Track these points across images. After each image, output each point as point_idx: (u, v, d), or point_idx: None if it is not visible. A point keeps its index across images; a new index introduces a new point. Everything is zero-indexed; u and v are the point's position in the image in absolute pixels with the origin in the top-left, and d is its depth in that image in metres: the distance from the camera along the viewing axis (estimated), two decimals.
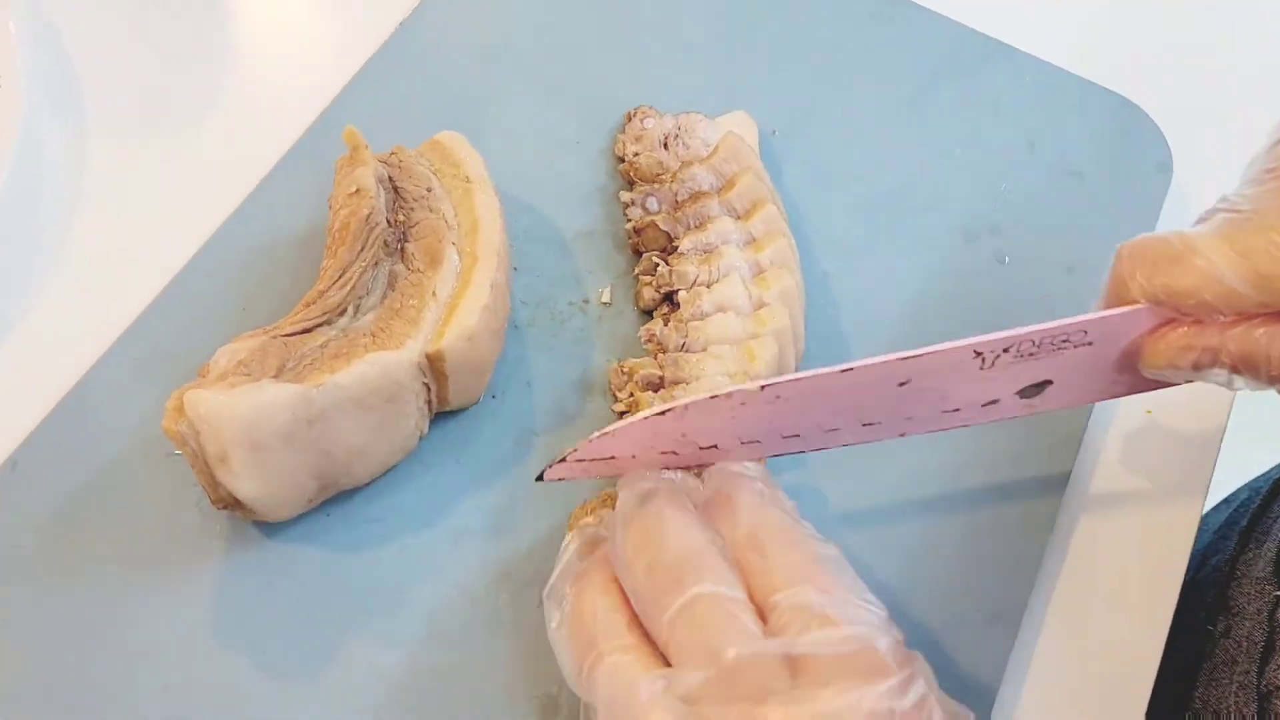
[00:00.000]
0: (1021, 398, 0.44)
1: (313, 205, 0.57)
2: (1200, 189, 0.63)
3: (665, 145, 0.60)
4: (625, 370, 0.54)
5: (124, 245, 0.58)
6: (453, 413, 0.53)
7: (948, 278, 0.59)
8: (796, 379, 0.41)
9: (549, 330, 0.56)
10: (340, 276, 0.48)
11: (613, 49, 0.65)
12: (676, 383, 0.51)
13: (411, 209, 0.52)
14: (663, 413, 0.41)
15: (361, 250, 0.49)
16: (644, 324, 0.56)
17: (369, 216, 0.49)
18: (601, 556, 0.42)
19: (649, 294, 0.56)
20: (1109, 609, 0.52)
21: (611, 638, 0.39)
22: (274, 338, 0.47)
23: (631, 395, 0.53)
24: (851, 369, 0.41)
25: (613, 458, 0.43)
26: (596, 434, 0.42)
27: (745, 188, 0.57)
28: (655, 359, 0.53)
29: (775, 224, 0.56)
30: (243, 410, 0.43)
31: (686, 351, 0.52)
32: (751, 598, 0.38)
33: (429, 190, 0.52)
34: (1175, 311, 0.41)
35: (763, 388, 0.41)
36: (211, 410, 0.43)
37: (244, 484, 0.44)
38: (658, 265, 0.56)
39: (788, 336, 0.53)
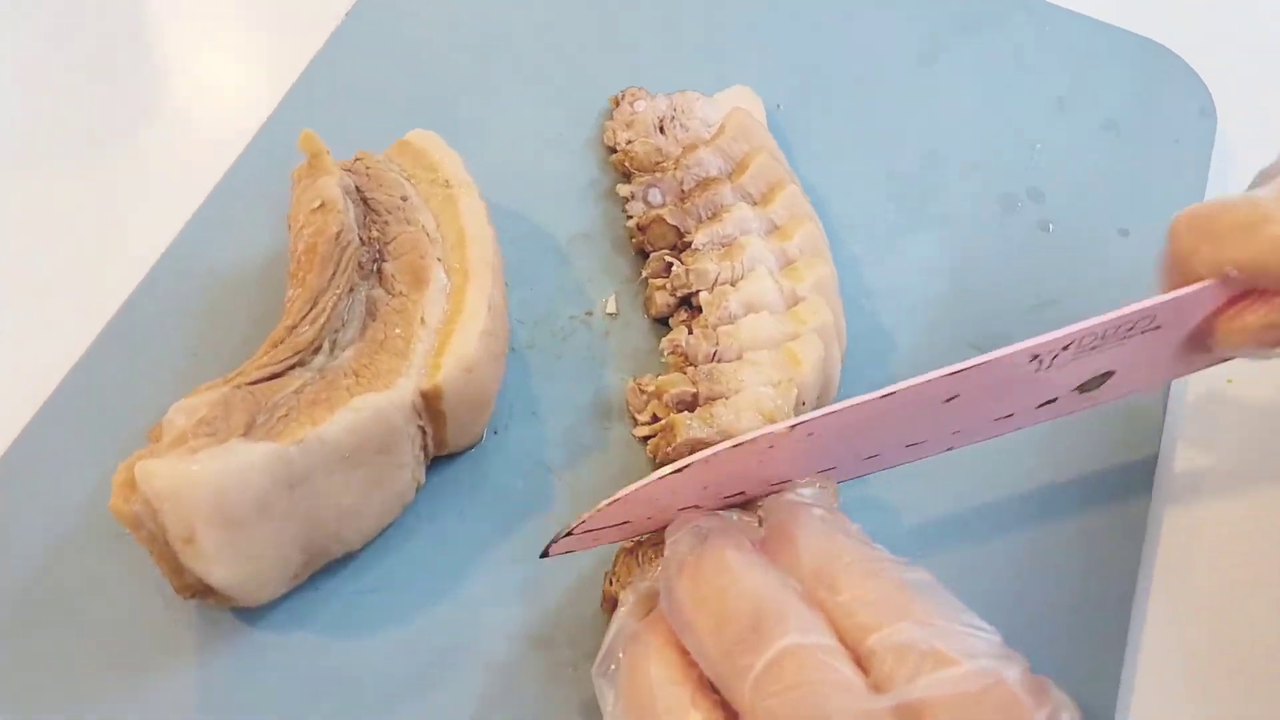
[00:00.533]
0: (1081, 392, 0.40)
1: (269, 227, 0.49)
2: (1247, 135, 0.57)
3: (661, 129, 0.53)
4: (645, 388, 0.46)
5: (50, 286, 0.49)
6: (450, 456, 0.45)
7: (990, 252, 0.53)
8: (832, 412, 0.35)
9: (552, 350, 0.49)
10: (311, 309, 0.41)
11: (591, 28, 0.58)
12: (713, 398, 0.44)
13: (386, 223, 0.44)
14: (681, 469, 0.35)
15: (334, 275, 0.41)
16: (657, 334, 0.49)
17: (339, 234, 0.42)
18: (657, 616, 0.35)
19: (662, 299, 0.49)
20: (1224, 601, 0.46)
21: (677, 715, 0.32)
22: (238, 387, 0.39)
23: (655, 418, 0.46)
24: (894, 393, 0.34)
25: (626, 522, 0.37)
26: (606, 501, 0.36)
27: (760, 169, 0.50)
28: (684, 373, 0.45)
29: (800, 207, 0.49)
30: (210, 479, 0.35)
31: (719, 362, 0.45)
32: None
33: (404, 199, 0.45)
34: (1251, 285, 0.36)
35: (792, 428, 0.35)
36: (171, 483, 0.35)
37: (216, 568, 0.37)
38: (670, 265, 0.49)
39: (831, 333, 0.46)
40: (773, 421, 0.42)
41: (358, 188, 0.44)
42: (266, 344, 0.41)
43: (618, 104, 0.54)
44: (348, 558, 0.42)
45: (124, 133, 0.54)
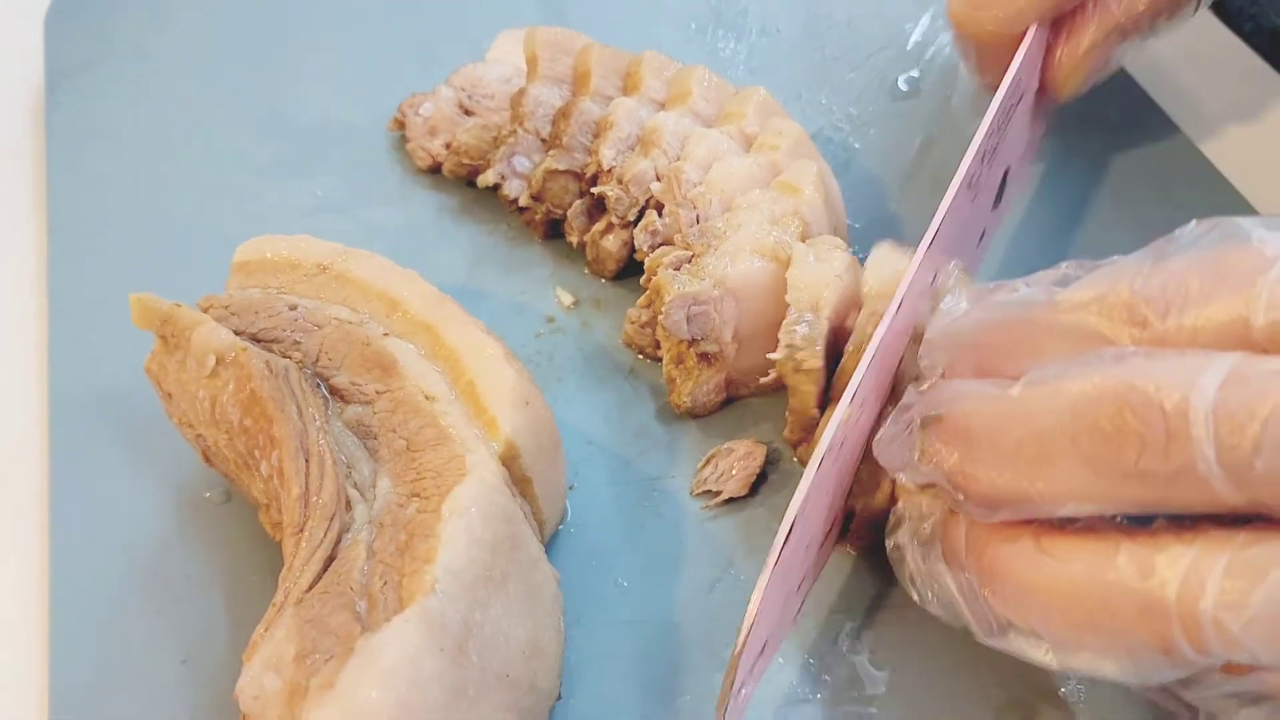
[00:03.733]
0: (995, 208, 0.38)
1: None
2: None
3: (468, 113, 0.45)
4: (639, 312, 0.38)
5: None
6: (550, 545, 0.35)
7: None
8: (861, 379, 0.28)
9: (551, 374, 0.39)
10: (306, 460, 0.29)
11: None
12: (710, 247, 0.36)
13: (295, 342, 0.33)
14: (777, 557, 0.26)
15: (298, 408, 0.30)
16: (633, 294, 0.40)
17: (267, 365, 0.30)
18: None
19: (613, 242, 0.40)
20: None
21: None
22: (299, 603, 0.27)
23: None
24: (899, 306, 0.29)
25: (765, 642, 0.29)
26: (740, 639, 0.26)
27: (601, 64, 0.42)
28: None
29: (716, 86, 0.42)
30: (382, 695, 0.23)
31: (705, 224, 0.37)
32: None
33: (293, 308, 0.34)
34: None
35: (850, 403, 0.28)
36: None
37: None
38: (599, 202, 0.40)
39: (813, 151, 0.39)
40: (776, 260, 0.35)
41: (236, 332, 0.33)
42: (287, 542, 0.29)
43: (403, 125, 0.45)
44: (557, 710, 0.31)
45: None
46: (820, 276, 0.34)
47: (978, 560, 0.26)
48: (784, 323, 0.33)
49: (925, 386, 0.28)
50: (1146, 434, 0.22)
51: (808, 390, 0.34)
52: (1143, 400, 0.22)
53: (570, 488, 0.36)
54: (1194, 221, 0.25)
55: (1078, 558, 0.24)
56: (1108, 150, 0.44)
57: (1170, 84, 0.46)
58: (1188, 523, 0.23)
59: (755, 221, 0.36)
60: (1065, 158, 0.44)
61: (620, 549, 0.35)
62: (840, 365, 0.34)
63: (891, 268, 0.34)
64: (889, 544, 0.30)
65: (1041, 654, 0.26)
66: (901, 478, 0.28)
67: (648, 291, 0.36)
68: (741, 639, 0.26)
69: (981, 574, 0.26)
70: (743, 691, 0.27)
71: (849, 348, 0.33)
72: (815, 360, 0.33)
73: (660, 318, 0.34)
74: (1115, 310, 0.24)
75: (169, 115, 0.47)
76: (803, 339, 0.33)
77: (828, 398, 0.34)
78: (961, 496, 0.26)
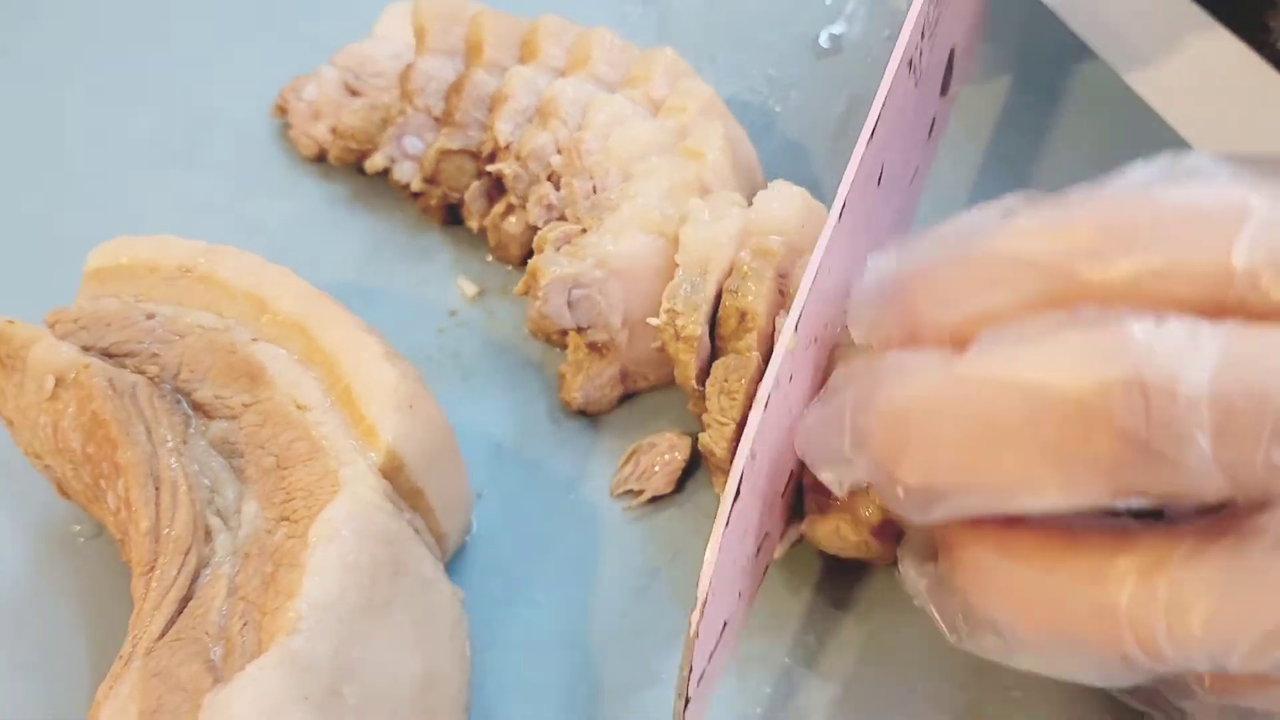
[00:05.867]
0: (944, 95, 0.35)
1: None
2: None
3: (353, 93, 0.41)
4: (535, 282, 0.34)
5: None
6: (455, 559, 0.31)
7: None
8: (805, 303, 0.25)
9: (456, 372, 0.36)
10: (156, 489, 0.26)
11: None
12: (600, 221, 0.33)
13: (153, 354, 0.29)
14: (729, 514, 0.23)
15: (146, 429, 0.26)
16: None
17: (110, 383, 0.27)
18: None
19: (515, 225, 0.37)
20: None
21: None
22: (149, 653, 0.23)
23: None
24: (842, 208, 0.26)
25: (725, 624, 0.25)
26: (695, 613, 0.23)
27: (495, 34, 0.39)
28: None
29: (619, 49, 0.38)
30: None
31: (599, 196, 0.34)
32: None
33: (150, 317, 0.30)
34: None
35: (796, 330, 0.25)
36: None
37: None
38: (498, 177, 0.37)
39: (725, 113, 0.36)
40: (662, 235, 0.32)
41: (84, 348, 0.29)
42: (137, 582, 0.25)
43: (285, 111, 0.42)
44: None
45: None
46: (713, 237, 0.30)
47: (945, 557, 0.23)
48: (668, 285, 0.30)
49: (855, 365, 0.25)
50: (1123, 420, 0.19)
51: (685, 361, 0.30)
52: (1120, 380, 0.19)
53: (478, 496, 0.33)
54: (1142, 159, 0.22)
55: (1035, 557, 0.21)
56: (1031, 88, 0.42)
57: (1095, 19, 0.43)
58: (1149, 520, 0.20)
59: (651, 191, 0.33)
60: (990, 100, 0.41)
61: (535, 561, 0.32)
62: (720, 312, 0.30)
63: (784, 205, 0.31)
64: None
65: (1009, 657, 0.23)
66: (826, 477, 0.25)
67: (524, 276, 0.33)
68: (697, 612, 0.22)
69: (946, 572, 0.23)
70: (702, 681, 0.24)
71: (728, 286, 0.30)
72: (695, 328, 0.30)
73: (538, 304, 0.31)
74: (1072, 241, 0.21)
75: (28, 114, 0.43)
76: (684, 303, 0.30)
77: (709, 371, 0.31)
78: (900, 492, 0.22)
